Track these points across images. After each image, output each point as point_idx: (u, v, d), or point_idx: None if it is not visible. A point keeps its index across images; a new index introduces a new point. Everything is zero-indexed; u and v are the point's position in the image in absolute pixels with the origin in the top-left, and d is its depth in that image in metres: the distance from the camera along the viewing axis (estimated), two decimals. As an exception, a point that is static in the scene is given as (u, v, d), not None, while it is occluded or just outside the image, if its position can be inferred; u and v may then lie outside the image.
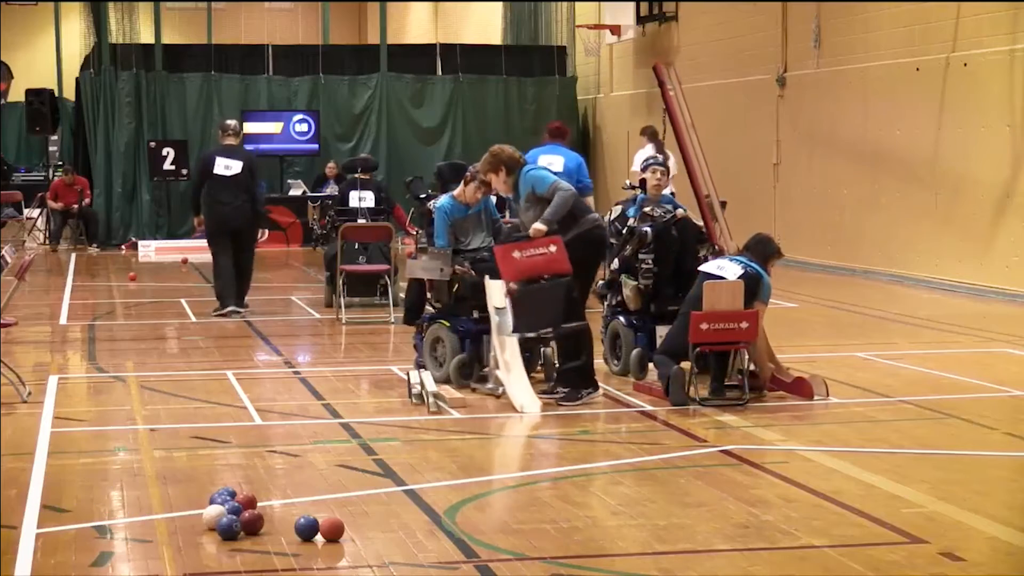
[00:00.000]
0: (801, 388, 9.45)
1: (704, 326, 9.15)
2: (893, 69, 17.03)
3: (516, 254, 9.36)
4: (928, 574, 5.71)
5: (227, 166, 14.06)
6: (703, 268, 9.53)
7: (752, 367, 9.57)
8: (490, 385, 9.54)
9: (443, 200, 10.32)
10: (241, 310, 14.07)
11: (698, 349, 9.24)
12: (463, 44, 27.22)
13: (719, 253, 9.89)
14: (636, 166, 16.35)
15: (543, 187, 9.61)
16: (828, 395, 9.40)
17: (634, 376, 9.98)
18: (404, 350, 11.42)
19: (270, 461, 7.75)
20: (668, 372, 9.23)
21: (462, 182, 10.24)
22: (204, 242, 21.46)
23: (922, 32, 16.58)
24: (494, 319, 9.45)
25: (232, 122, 14.92)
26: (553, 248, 9.38)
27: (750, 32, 20.36)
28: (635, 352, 10.05)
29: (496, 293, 9.46)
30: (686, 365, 9.31)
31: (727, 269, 9.42)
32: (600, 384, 9.58)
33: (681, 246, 10.16)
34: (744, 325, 9.22)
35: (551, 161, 14.55)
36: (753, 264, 9.44)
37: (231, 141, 14.33)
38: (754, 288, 9.32)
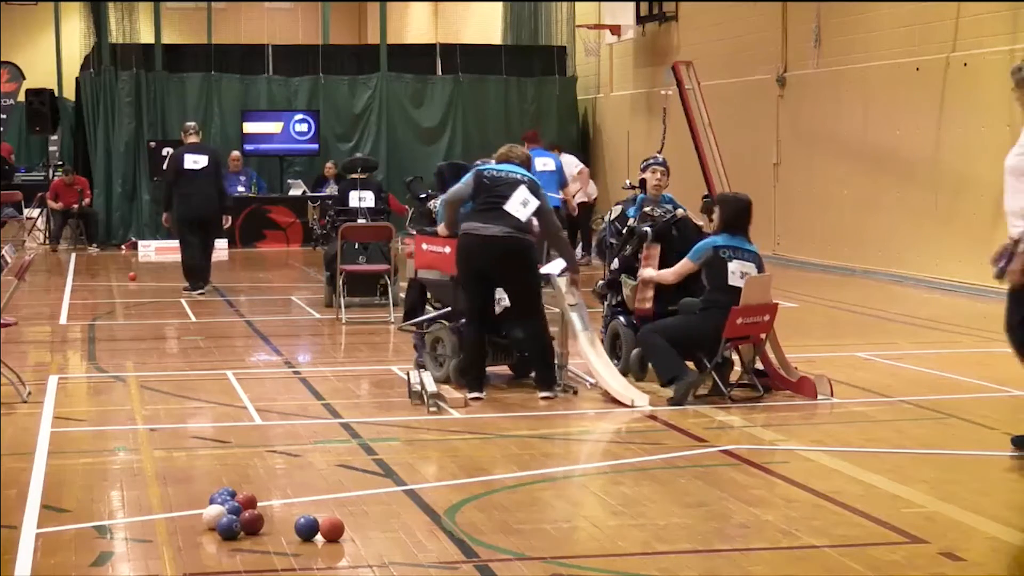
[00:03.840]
0: (805, 387, 9.47)
1: (740, 320, 9.25)
2: (893, 69, 17.03)
3: (424, 246, 10.05)
4: (928, 574, 5.71)
5: (195, 161, 15.99)
6: (732, 283, 9.44)
7: (758, 364, 9.67)
8: (559, 388, 9.52)
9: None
10: (205, 290, 16.05)
11: (728, 343, 9.33)
12: (463, 44, 27.21)
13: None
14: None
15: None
16: (832, 395, 9.41)
17: (634, 376, 9.98)
18: (404, 350, 11.42)
19: (270, 461, 7.75)
20: (677, 373, 9.30)
21: None
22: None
23: (922, 32, 16.58)
24: (568, 316, 9.71)
25: (192, 123, 16.97)
26: (447, 250, 9.76)
27: (750, 32, 20.36)
28: (635, 352, 10.05)
29: (566, 290, 9.79)
30: (690, 364, 9.42)
31: (747, 270, 9.49)
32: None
33: (681, 246, 10.16)
34: (766, 318, 9.39)
35: (546, 162, 17.49)
36: (752, 249, 9.54)
37: (194, 139, 16.35)
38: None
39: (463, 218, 9.60)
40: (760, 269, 9.58)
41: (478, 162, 10.29)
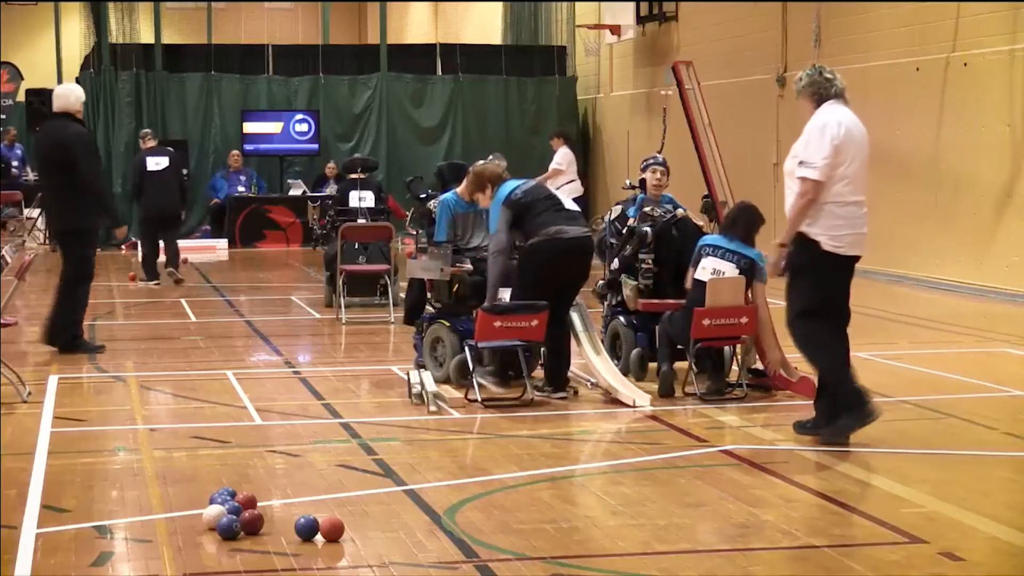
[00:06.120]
0: (805, 387, 9.46)
1: (706, 322, 9.22)
2: (893, 69, 17.02)
3: (498, 324, 9.30)
4: (928, 574, 5.71)
5: (157, 163, 17.43)
6: (699, 277, 9.49)
7: (758, 364, 9.67)
8: (562, 393, 9.49)
9: (448, 194, 10.35)
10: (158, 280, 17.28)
11: (699, 345, 9.31)
12: (463, 44, 27.20)
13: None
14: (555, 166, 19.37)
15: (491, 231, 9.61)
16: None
17: (634, 376, 9.97)
18: (404, 350, 11.42)
19: (270, 461, 7.75)
20: (661, 366, 9.49)
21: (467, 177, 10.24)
22: (204, 242, 21.66)
23: (922, 32, 16.57)
24: (568, 316, 9.68)
25: (148, 130, 18.96)
26: (535, 323, 9.30)
27: (750, 32, 20.35)
28: (635, 352, 10.06)
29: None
30: (681, 364, 9.43)
31: (722, 268, 9.46)
32: (573, 388, 9.59)
33: (681, 246, 10.16)
34: (744, 320, 9.32)
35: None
36: (744, 252, 9.46)
37: (152, 143, 17.97)
38: (751, 274, 9.45)
39: (536, 225, 9.30)
40: (750, 273, 9.46)
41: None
